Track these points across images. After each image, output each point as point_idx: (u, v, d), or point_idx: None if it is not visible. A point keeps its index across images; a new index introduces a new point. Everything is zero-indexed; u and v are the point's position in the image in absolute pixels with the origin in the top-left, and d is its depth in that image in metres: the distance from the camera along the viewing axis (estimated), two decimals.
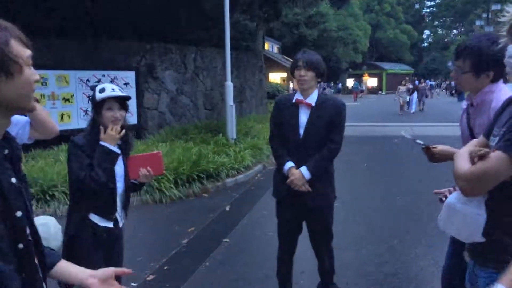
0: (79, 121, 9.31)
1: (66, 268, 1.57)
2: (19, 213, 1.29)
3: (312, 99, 3.18)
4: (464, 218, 1.79)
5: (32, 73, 1.29)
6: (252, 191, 7.59)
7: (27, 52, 1.28)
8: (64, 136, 8.67)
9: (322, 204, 3.27)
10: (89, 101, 2.74)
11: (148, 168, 2.77)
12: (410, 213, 6.08)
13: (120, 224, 2.80)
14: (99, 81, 9.58)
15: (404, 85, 23.71)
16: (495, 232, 1.73)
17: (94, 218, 2.66)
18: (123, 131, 2.67)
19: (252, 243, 5.13)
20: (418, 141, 2.57)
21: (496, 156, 1.59)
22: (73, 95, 9.33)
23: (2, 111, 1.27)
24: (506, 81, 2.31)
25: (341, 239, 5.07)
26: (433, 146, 2.39)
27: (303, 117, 3.18)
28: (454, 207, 1.85)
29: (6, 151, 1.30)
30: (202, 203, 6.86)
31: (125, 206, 2.84)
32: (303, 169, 3.14)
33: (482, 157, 1.63)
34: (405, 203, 6.51)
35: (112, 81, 9.69)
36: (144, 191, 6.65)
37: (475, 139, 2.00)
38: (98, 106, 2.62)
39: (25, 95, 1.28)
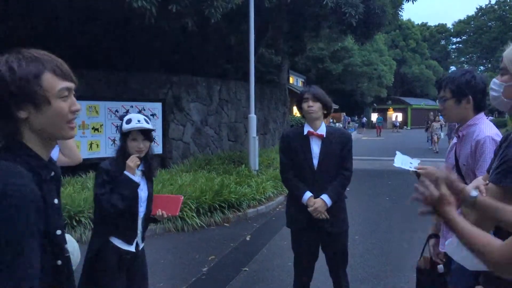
0: (107, 150, 9.60)
1: None
2: (58, 232, 1.38)
3: (322, 130, 3.35)
4: (469, 255, 1.83)
5: (67, 104, 1.36)
6: (272, 221, 7.64)
7: (61, 85, 1.34)
8: (92, 164, 9.03)
9: (340, 229, 3.37)
10: (117, 130, 2.91)
11: (163, 211, 2.94)
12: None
13: (140, 247, 2.92)
14: (127, 111, 9.91)
15: (438, 121, 22.02)
16: None
17: (115, 241, 2.77)
18: (137, 160, 2.78)
19: (271, 273, 5.17)
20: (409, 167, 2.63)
21: (489, 188, 1.69)
22: (102, 125, 9.65)
23: (38, 138, 1.36)
24: (487, 112, 2.48)
25: (360, 271, 5.10)
26: (420, 168, 2.47)
27: (315, 148, 3.34)
28: (458, 245, 1.89)
29: (53, 173, 1.41)
30: (223, 232, 6.94)
31: (144, 229, 2.97)
32: (325, 197, 3.27)
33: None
34: (425, 237, 6.45)
35: (139, 112, 10.01)
36: (168, 219, 6.79)
37: (480, 177, 2.09)
38: (124, 136, 2.79)
39: (56, 125, 1.35)
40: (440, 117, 25.05)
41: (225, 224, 7.39)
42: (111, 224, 2.75)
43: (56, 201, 1.40)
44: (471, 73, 2.47)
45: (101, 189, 2.68)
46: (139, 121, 2.78)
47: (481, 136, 2.37)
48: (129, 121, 2.78)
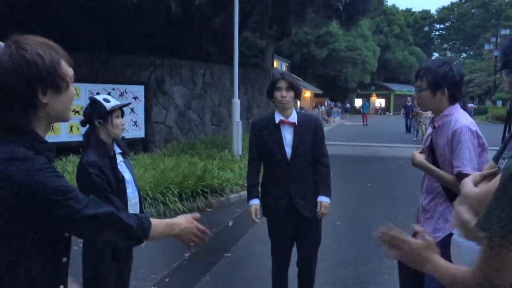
0: (64, 135, 9.38)
1: None
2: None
3: (294, 117, 3.33)
4: (467, 252, 1.78)
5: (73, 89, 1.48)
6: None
7: (71, 71, 1.45)
8: (73, 147, 8.89)
9: (316, 215, 3.37)
10: (91, 112, 2.75)
11: None
12: (411, 233, 6.11)
13: None
14: (109, 94, 9.76)
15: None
16: None
17: None
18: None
19: (253, 258, 5.19)
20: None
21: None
22: (82, 107, 9.44)
23: (46, 122, 1.43)
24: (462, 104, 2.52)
25: (341, 257, 5.14)
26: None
27: (288, 136, 3.31)
28: (455, 242, 1.83)
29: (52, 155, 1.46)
30: (206, 218, 6.91)
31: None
32: (324, 199, 3.33)
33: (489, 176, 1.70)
34: (407, 224, 6.54)
35: (121, 95, 9.88)
36: (149, 204, 6.74)
37: (487, 165, 2.07)
38: (106, 115, 2.73)
39: (68, 108, 1.47)
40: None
41: (208, 209, 7.37)
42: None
43: None
44: (448, 65, 2.50)
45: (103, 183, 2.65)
46: (114, 99, 2.83)
47: (457, 126, 2.41)
48: (107, 100, 2.76)
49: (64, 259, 1.45)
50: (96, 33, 11.01)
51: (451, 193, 2.36)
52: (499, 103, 42.35)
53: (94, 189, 2.62)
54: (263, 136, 3.37)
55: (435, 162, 2.53)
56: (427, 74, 2.50)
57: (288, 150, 3.28)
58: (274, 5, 13.48)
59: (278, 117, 3.32)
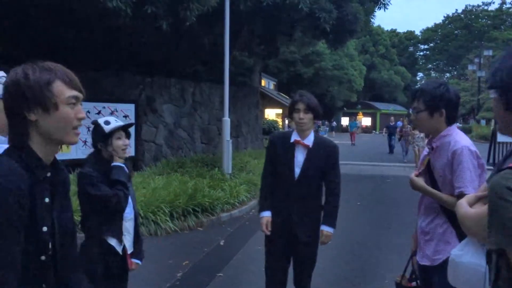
0: (78, 151, 9.39)
1: None
2: (44, 228, 1.46)
3: (309, 140, 3.35)
4: (467, 271, 1.80)
5: (73, 111, 1.49)
6: (246, 226, 7.64)
7: (70, 93, 1.48)
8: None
9: (313, 238, 3.39)
10: (94, 135, 2.85)
11: None
12: (401, 252, 6.15)
13: (129, 251, 2.91)
14: (99, 112, 9.74)
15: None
16: (498, 282, 1.79)
17: (112, 241, 2.79)
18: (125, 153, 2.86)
19: (246, 278, 5.18)
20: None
21: None
22: None
23: (42, 141, 1.47)
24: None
25: (332, 276, 5.15)
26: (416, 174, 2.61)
27: (300, 156, 3.33)
28: (454, 261, 1.86)
29: (49, 174, 1.50)
30: (197, 237, 6.90)
31: (136, 235, 2.97)
32: (328, 228, 3.38)
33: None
34: (399, 241, 6.59)
35: (112, 113, 9.86)
36: (140, 223, 6.69)
37: (482, 186, 2.09)
38: (107, 137, 2.76)
39: (62, 129, 1.47)
40: (399, 122, 24.12)
41: (199, 228, 7.35)
42: (106, 223, 2.77)
43: (47, 200, 1.47)
44: (445, 86, 2.51)
45: (98, 188, 2.68)
46: (116, 120, 2.85)
47: (457, 146, 2.42)
48: (107, 122, 2.79)
49: (43, 258, 1.46)
50: (86, 51, 11.03)
51: (452, 214, 2.33)
52: (483, 122, 43.06)
53: (85, 198, 2.69)
54: (277, 151, 3.41)
55: (433, 182, 2.53)
56: (424, 95, 2.51)
57: (297, 170, 3.31)
58: (263, 24, 13.65)
59: (294, 137, 3.36)
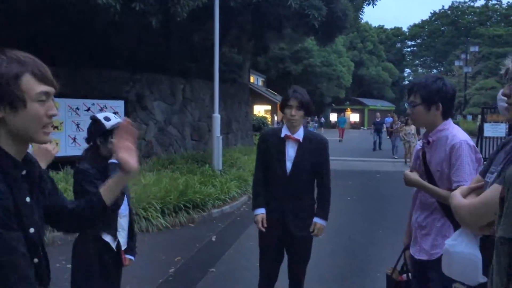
0: (67, 148, 9.34)
1: None
2: (32, 230, 1.38)
3: (300, 135, 3.38)
4: (461, 261, 1.83)
5: (44, 108, 1.37)
6: (237, 221, 7.67)
7: (40, 88, 1.35)
8: (51, 164, 8.73)
9: (307, 233, 3.42)
10: (92, 130, 2.83)
11: None
12: (392, 246, 6.23)
13: (123, 247, 2.92)
14: (88, 109, 9.69)
15: (410, 124, 15.45)
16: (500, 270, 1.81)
17: (107, 237, 2.79)
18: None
19: (238, 273, 5.21)
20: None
21: (495, 188, 1.69)
22: (62, 123, 9.38)
23: (12, 139, 1.36)
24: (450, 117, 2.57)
25: (326, 272, 5.21)
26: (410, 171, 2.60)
27: (291, 151, 3.36)
28: (448, 251, 1.90)
29: (24, 172, 1.40)
30: (189, 233, 6.91)
31: (130, 232, 2.97)
32: (320, 221, 3.41)
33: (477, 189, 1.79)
34: (391, 236, 6.67)
35: (101, 110, 9.80)
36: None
37: (474, 179, 2.10)
38: (107, 133, 2.75)
39: (30, 128, 1.36)
40: (388, 119, 23.70)
41: (190, 224, 7.36)
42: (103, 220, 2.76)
43: (28, 199, 1.38)
44: (442, 80, 2.50)
45: (95, 186, 2.66)
46: (115, 117, 2.84)
47: (456, 141, 2.40)
48: (108, 119, 2.78)
49: (36, 260, 1.40)
50: (76, 48, 10.94)
51: (449, 208, 2.26)
52: (469, 117, 43.54)
53: (82, 195, 2.68)
54: (268, 147, 3.44)
55: (429, 177, 2.52)
56: (420, 90, 2.49)
57: (289, 165, 3.34)
58: (253, 21, 13.64)
59: (284, 132, 3.38)
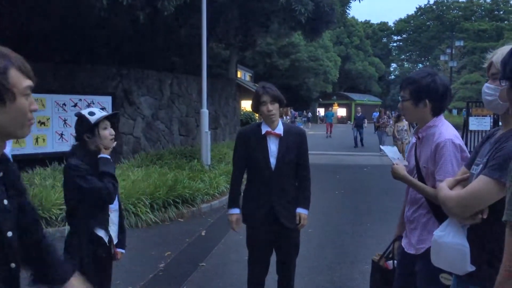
0: (54, 144, 9.28)
1: None
2: (9, 233, 1.34)
3: (280, 129, 3.41)
4: (449, 251, 1.88)
5: (28, 103, 1.34)
6: (227, 216, 7.68)
7: (25, 82, 1.32)
8: (39, 160, 8.71)
9: (295, 225, 3.47)
10: (78, 127, 2.83)
11: None
12: (380, 238, 6.32)
13: (114, 241, 2.94)
14: (75, 105, 9.62)
15: (402, 119, 14.67)
16: (480, 259, 1.82)
17: (100, 232, 2.80)
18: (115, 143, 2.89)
19: (228, 267, 5.24)
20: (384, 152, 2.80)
21: (481, 179, 1.77)
22: (49, 119, 9.32)
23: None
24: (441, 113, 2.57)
25: (315, 263, 5.27)
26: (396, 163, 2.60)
27: (273, 147, 3.39)
28: (437, 242, 1.95)
29: (1, 174, 1.36)
30: (178, 228, 6.93)
31: (120, 227, 2.99)
32: (303, 211, 3.45)
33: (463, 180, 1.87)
34: (379, 228, 6.76)
35: (88, 106, 9.75)
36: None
37: (460, 171, 2.14)
38: (93, 128, 2.77)
39: (18, 122, 1.32)
40: (375, 113, 23.36)
41: (180, 219, 7.37)
42: (94, 215, 2.78)
43: (5, 202, 1.35)
44: (431, 76, 2.45)
45: (86, 179, 2.67)
46: (100, 111, 2.86)
47: (441, 139, 2.38)
48: (92, 113, 2.80)
49: (13, 265, 1.36)
50: (62, 43, 10.85)
51: (434, 205, 2.33)
52: (455, 111, 44.03)
53: (74, 191, 2.69)
54: (249, 145, 3.44)
55: (419, 173, 2.52)
56: (409, 85, 2.49)
57: (273, 160, 3.37)
58: (240, 15, 13.65)
59: (264, 128, 3.40)
